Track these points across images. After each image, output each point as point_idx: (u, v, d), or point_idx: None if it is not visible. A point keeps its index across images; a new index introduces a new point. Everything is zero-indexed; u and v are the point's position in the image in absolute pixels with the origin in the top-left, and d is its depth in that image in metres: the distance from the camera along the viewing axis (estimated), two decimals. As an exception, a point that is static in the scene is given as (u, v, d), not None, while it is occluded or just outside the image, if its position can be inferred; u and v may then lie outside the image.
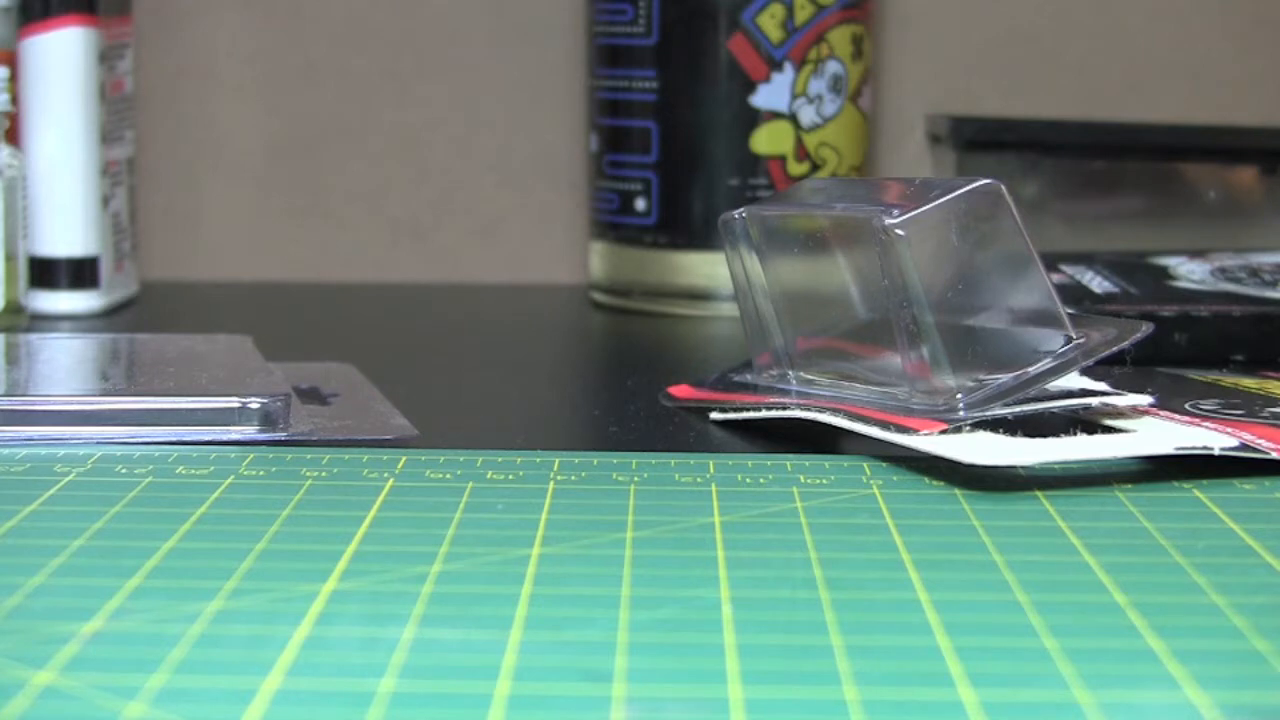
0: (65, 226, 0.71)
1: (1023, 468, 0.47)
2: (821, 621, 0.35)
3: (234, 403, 0.49)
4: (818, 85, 0.72)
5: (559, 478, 0.46)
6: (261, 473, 0.46)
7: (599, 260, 0.76)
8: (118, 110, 0.73)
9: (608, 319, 0.74)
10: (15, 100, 0.71)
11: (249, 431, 0.49)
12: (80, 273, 0.72)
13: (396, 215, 0.84)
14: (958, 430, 0.47)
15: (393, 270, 0.84)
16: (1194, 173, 0.78)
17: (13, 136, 0.70)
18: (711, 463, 0.48)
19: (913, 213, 0.48)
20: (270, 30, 0.83)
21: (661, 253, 0.73)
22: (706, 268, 0.73)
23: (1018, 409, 0.47)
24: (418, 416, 0.52)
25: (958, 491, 0.45)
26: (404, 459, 0.48)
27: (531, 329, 0.72)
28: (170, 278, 0.83)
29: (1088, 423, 0.49)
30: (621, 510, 0.43)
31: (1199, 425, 0.48)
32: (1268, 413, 0.50)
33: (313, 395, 0.55)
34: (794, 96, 0.72)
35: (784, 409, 0.51)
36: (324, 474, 0.46)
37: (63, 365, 0.56)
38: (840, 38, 0.73)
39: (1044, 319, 0.49)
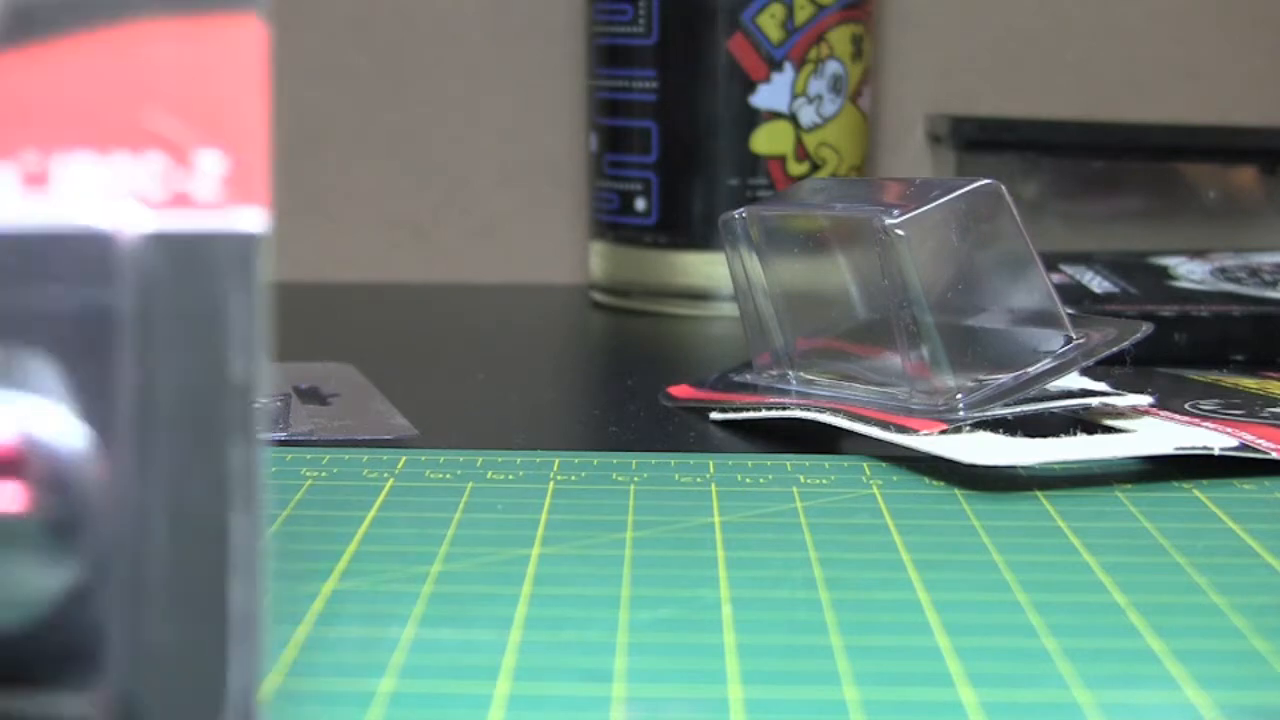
0: (65, 226, 0.71)
1: (1023, 468, 0.47)
2: (821, 621, 0.35)
3: (234, 403, 0.49)
4: (818, 85, 0.72)
5: (559, 478, 0.46)
6: (261, 473, 0.46)
7: (599, 260, 0.76)
8: (118, 110, 0.73)
9: (608, 319, 0.74)
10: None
11: (249, 431, 0.49)
12: (80, 273, 0.71)
13: (396, 215, 0.84)
14: (958, 430, 0.47)
15: (393, 270, 0.84)
16: (1194, 173, 0.78)
17: (13, 136, 0.70)
18: (711, 463, 0.48)
19: (913, 213, 0.48)
20: (270, 30, 0.83)
21: (661, 253, 0.73)
22: (706, 268, 0.73)
23: (1018, 409, 0.47)
24: (418, 416, 0.52)
25: (958, 491, 0.45)
26: (404, 459, 0.48)
27: (531, 329, 0.72)
28: (170, 278, 0.83)
29: (1088, 423, 0.49)
30: (621, 510, 0.43)
31: (1199, 425, 0.48)
32: (1268, 413, 0.50)
33: (313, 395, 0.55)
34: (794, 96, 0.72)
35: (784, 409, 0.51)
36: (324, 474, 0.46)
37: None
38: (840, 38, 0.73)
39: (1044, 319, 0.49)
